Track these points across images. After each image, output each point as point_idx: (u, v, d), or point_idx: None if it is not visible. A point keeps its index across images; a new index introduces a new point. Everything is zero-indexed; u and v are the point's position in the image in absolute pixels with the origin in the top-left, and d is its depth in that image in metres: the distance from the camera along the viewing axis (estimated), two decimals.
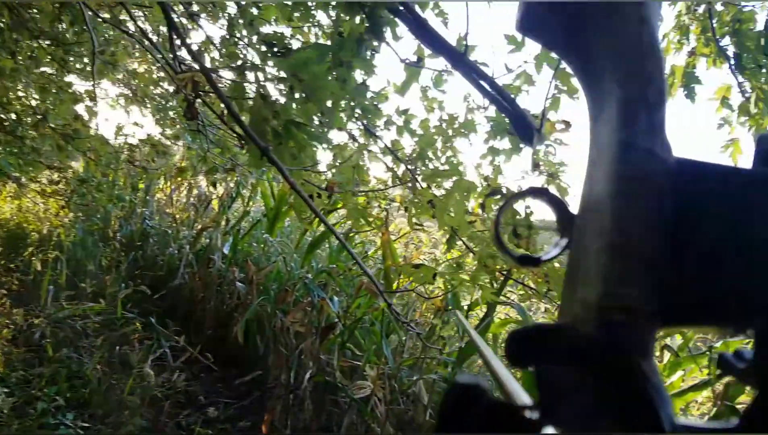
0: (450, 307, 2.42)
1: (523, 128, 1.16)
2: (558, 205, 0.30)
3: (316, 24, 1.45)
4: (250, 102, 1.48)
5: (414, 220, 1.88)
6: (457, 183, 1.45)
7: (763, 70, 1.70)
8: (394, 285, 2.60)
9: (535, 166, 1.44)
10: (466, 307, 2.45)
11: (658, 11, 0.27)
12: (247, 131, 1.17)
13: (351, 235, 2.82)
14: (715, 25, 1.72)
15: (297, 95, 1.47)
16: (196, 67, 1.57)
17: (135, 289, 3.72)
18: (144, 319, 3.60)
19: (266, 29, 1.77)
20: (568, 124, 1.34)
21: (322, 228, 3.04)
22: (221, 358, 3.40)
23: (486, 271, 2.03)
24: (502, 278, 2.24)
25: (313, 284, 2.74)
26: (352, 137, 2.21)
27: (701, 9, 1.79)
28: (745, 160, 2.13)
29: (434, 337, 2.26)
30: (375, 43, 1.33)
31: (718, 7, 1.75)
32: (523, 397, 0.30)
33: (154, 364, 3.20)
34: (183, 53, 2.21)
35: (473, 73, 1.15)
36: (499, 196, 1.41)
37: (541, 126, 1.16)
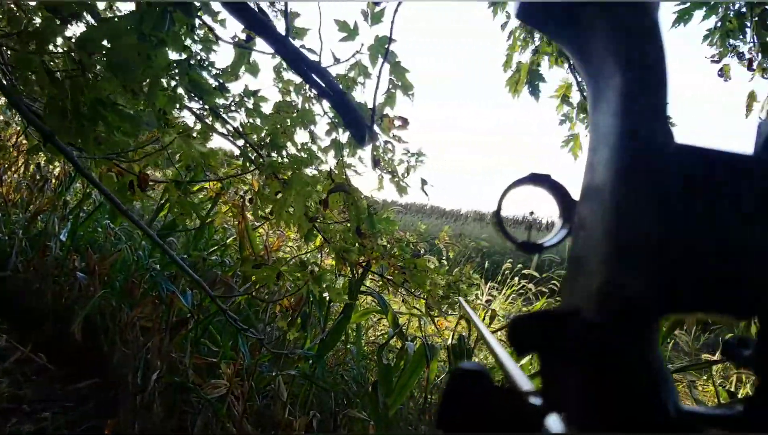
0: (312, 299, 2.33)
1: (355, 125, 1.08)
2: (560, 191, 0.30)
3: None
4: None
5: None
6: (297, 176, 1.34)
7: None
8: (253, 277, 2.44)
9: (375, 163, 1.38)
10: (328, 298, 2.37)
11: None
12: (23, 111, 0.94)
13: (208, 220, 2.59)
14: None
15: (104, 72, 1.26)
16: None
17: None
18: None
19: None
20: (405, 121, 1.29)
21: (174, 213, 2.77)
22: (59, 357, 3.04)
23: (343, 264, 1.97)
24: (361, 270, 2.20)
25: (161, 276, 2.49)
26: (199, 118, 2.01)
27: None
28: (583, 156, 2.26)
29: (294, 332, 2.16)
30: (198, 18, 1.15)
31: None
32: (526, 384, 0.28)
33: None
34: None
35: (298, 60, 1.04)
36: (342, 192, 1.32)
37: (372, 123, 1.09)
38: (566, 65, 1.91)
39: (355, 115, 1.06)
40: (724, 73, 1.97)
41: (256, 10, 1.10)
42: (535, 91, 1.99)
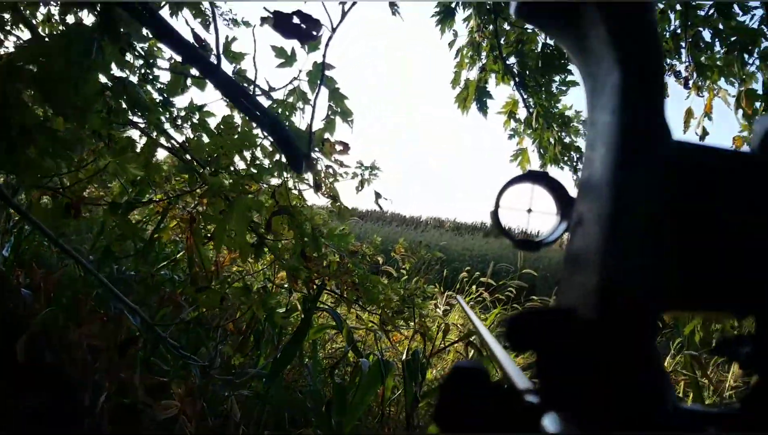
0: (265, 316, 2.29)
1: (291, 153, 1.06)
2: (557, 188, 0.30)
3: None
4: None
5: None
6: (238, 200, 1.31)
7: (543, 89, 1.84)
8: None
9: (317, 187, 1.37)
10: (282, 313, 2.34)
11: None
12: None
13: (156, 235, 2.51)
14: (503, 43, 1.82)
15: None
16: None
17: None
18: None
19: None
20: (346, 146, 1.28)
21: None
22: (2, 378, 2.89)
23: (294, 281, 1.94)
24: (315, 287, 2.18)
25: (108, 293, 2.40)
26: (143, 132, 1.95)
27: (491, 27, 1.90)
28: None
29: (239, 358, 2.11)
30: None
31: (506, 26, 1.84)
32: (523, 382, 0.28)
33: None
34: None
35: (231, 89, 1.02)
36: (285, 215, 1.30)
37: (309, 151, 1.08)
38: (512, 83, 1.95)
39: (291, 144, 1.05)
40: None
41: (191, 34, 1.07)
42: (483, 108, 2.03)
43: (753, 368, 0.25)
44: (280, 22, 0.88)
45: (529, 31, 1.83)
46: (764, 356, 0.25)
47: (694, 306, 0.25)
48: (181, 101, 2.46)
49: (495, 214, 0.32)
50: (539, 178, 0.31)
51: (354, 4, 0.98)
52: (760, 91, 1.91)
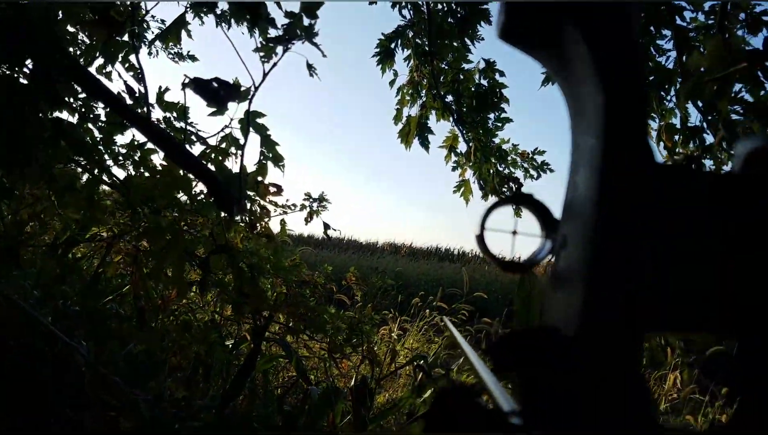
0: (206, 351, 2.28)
1: (222, 198, 1.11)
2: (542, 210, 0.30)
3: None
4: None
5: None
6: (174, 241, 1.34)
7: (480, 125, 1.94)
8: (153, 325, 2.36)
9: (252, 227, 1.41)
10: (231, 345, 2.34)
11: (638, 14, 0.26)
12: None
13: (100, 270, 2.48)
14: (441, 81, 1.92)
15: None
16: None
17: None
18: None
19: None
20: (279, 189, 1.34)
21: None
22: None
23: (240, 314, 1.96)
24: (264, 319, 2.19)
25: (53, 329, 2.35)
26: (85, 169, 1.95)
27: (428, 67, 2.00)
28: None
29: (182, 391, 2.10)
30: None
31: (444, 65, 1.95)
32: (508, 403, 0.28)
33: None
34: None
35: (160, 138, 1.06)
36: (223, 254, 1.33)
37: (239, 195, 1.12)
38: (451, 118, 2.06)
39: (222, 189, 1.09)
40: None
41: (124, 86, 1.11)
42: (424, 143, 2.13)
43: (738, 387, 0.26)
44: (199, 87, 0.93)
45: (466, 69, 1.94)
46: (748, 376, 0.25)
47: (678, 326, 0.25)
48: (122, 137, 2.47)
49: (480, 238, 0.31)
50: (524, 200, 0.31)
51: (275, 65, 1.05)
52: (678, 126, 2.06)
